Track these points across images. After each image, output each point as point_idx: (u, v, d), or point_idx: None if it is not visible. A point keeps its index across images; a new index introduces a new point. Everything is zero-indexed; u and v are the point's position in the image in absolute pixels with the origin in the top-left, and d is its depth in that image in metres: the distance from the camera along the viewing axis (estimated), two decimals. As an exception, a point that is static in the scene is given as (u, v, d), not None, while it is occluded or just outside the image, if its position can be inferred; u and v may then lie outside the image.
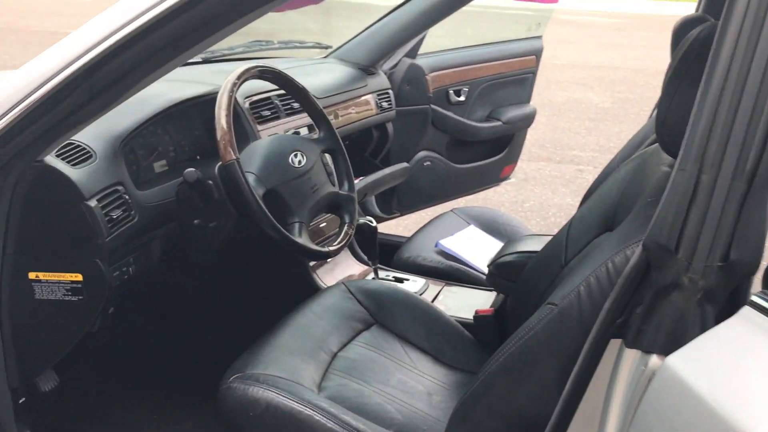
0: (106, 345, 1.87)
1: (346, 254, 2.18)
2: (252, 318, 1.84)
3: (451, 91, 2.69)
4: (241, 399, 1.35)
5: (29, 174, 1.30)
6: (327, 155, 1.85)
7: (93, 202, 1.38)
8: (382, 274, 2.15)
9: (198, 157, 1.79)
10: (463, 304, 2.03)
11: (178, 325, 2.10)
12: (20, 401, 1.46)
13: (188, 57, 1.16)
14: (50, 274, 1.39)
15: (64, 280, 1.40)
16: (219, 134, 1.55)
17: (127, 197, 1.49)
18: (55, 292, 1.40)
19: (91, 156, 1.45)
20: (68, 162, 1.39)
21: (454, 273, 2.20)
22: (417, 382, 1.55)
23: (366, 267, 2.19)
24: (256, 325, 1.61)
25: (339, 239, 1.78)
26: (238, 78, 1.64)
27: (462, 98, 2.72)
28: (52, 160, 1.36)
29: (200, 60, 2.21)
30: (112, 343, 1.92)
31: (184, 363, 2.06)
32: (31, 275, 1.39)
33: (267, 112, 1.93)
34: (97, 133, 1.48)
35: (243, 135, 1.81)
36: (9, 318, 1.38)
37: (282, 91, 1.94)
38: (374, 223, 1.98)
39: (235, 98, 1.84)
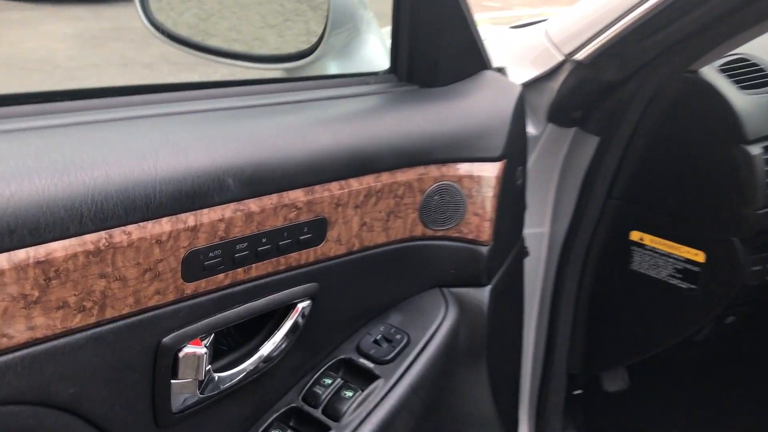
0: (707, 362, 1.35)
1: None
2: None
3: None
4: None
5: (674, 85, 0.90)
6: None
7: (756, 149, 0.93)
8: None
9: None
10: None
11: None
12: (575, 392, 1.13)
13: None
14: (660, 241, 1.00)
15: (677, 254, 0.98)
16: None
17: None
18: (659, 268, 1.00)
19: None
20: (735, 82, 0.93)
21: None
22: None
23: None
24: None
25: None
26: None
27: None
28: (710, 73, 0.93)
29: None
30: (717, 364, 1.38)
31: None
32: (634, 235, 1.02)
33: None
34: None
35: None
36: (592, 282, 1.02)
37: None
38: None
39: None
